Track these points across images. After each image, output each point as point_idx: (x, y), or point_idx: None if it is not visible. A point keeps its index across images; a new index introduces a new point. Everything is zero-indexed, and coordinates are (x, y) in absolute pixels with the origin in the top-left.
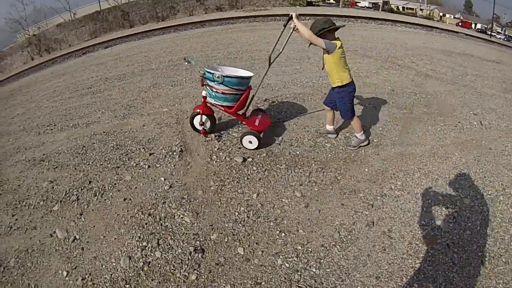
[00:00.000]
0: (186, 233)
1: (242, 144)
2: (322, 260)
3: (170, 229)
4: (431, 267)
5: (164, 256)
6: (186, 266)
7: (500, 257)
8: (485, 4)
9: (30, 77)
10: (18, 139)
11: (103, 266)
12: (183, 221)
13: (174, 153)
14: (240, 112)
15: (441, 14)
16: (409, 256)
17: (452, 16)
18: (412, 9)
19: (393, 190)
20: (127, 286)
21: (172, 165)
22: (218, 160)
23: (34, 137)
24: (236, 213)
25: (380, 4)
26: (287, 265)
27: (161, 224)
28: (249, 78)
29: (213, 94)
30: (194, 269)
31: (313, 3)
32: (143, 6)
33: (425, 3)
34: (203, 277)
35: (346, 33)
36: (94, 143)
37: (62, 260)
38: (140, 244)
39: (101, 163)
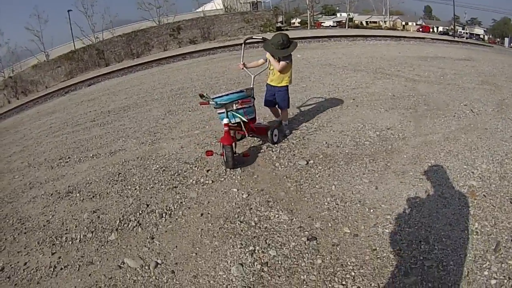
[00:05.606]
0: (290, 228)
1: (271, 140)
2: (409, 221)
3: (272, 229)
4: (480, 210)
5: (281, 253)
6: (307, 254)
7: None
8: (443, 7)
9: (13, 118)
10: (25, 175)
11: (211, 282)
12: (281, 219)
13: (235, 166)
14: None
15: (403, 23)
16: (462, 206)
17: (414, 24)
18: (375, 22)
19: (431, 167)
20: None
21: (238, 177)
22: (283, 166)
23: (47, 171)
24: (326, 203)
25: (344, 21)
26: (387, 231)
27: (260, 227)
28: None
29: (243, 111)
30: (316, 255)
31: (282, 28)
32: (118, 43)
33: (388, 15)
34: (327, 258)
35: (328, 52)
36: (131, 169)
37: None
38: (247, 250)
39: (151, 186)
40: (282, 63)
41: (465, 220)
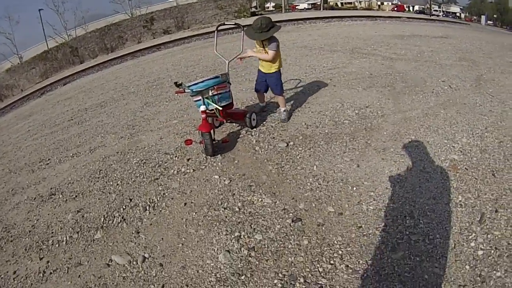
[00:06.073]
0: (274, 211)
1: (250, 125)
2: (392, 197)
3: (256, 213)
4: (462, 183)
5: (267, 236)
6: (293, 235)
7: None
8: None
9: None
10: (7, 182)
11: (200, 271)
12: (265, 203)
13: (215, 153)
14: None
15: (378, 3)
16: (445, 179)
17: (390, 3)
18: (350, 3)
19: (411, 142)
20: (243, 277)
21: (219, 163)
22: (263, 149)
23: (28, 176)
24: (308, 184)
25: (319, 3)
26: (371, 207)
27: (244, 212)
28: None
29: (220, 96)
30: (302, 236)
31: (256, 13)
32: (91, 39)
33: None
34: (313, 238)
35: (303, 34)
36: (111, 165)
37: (139, 285)
38: (232, 236)
39: (133, 179)
40: (271, 52)
41: (448, 194)
